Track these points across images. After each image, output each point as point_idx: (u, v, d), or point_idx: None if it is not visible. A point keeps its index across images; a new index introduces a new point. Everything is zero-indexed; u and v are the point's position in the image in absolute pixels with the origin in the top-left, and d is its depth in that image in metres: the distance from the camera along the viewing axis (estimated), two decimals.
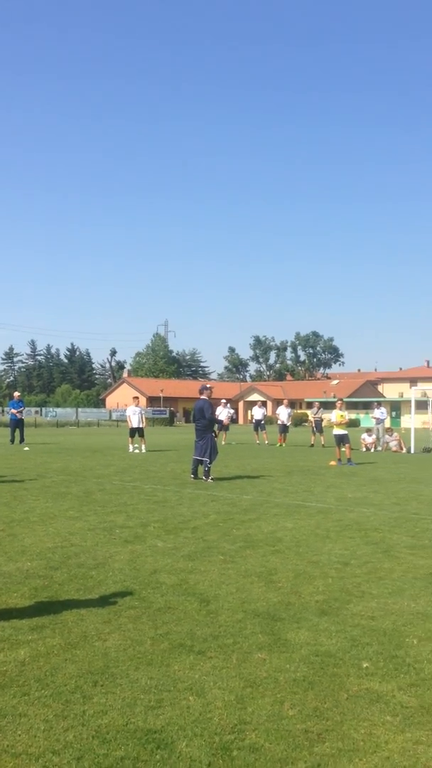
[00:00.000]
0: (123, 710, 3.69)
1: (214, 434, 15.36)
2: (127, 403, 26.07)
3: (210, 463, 14.91)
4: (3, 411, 57.35)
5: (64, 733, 3.44)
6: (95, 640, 4.75)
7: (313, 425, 29.97)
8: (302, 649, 4.66)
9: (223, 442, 29.15)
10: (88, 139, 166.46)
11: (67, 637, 4.79)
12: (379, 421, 29.12)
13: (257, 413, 31.57)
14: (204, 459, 14.88)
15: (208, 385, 16.16)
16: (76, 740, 3.37)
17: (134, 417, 24.34)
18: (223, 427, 29.87)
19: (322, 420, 29.53)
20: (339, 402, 21.53)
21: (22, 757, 3.21)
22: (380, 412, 29.31)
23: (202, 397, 15.35)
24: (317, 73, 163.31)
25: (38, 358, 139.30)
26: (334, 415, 21.01)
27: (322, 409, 30.36)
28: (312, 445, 29.32)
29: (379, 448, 27.78)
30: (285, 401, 31.83)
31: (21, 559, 7.15)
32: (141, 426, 24.31)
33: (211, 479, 14.75)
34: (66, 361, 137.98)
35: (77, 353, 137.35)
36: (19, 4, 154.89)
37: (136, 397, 26.83)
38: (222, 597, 5.86)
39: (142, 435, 24.40)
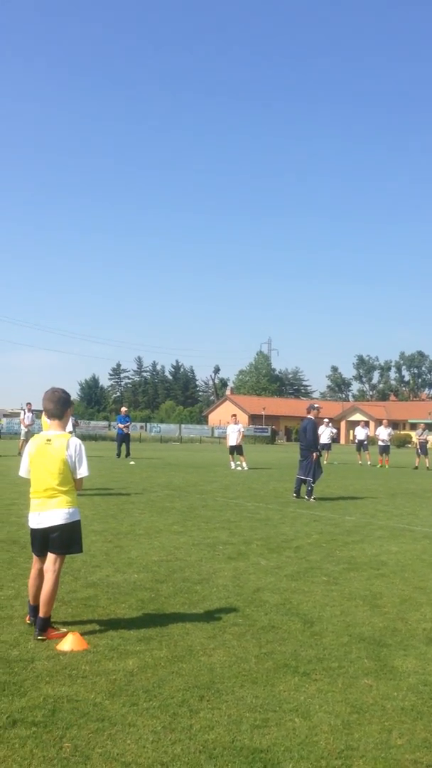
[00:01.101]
0: (229, 727, 3.72)
1: (318, 454, 15.22)
2: (229, 421, 26.19)
3: (314, 483, 14.80)
4: (110, 425, 58.95)
5: (172, 745, 3.50)
6: (201, 654, 4.81)
7: (418, 447, 29.23)
8: (410, 677, 4.56)
9: (325, 462, 28.88)
10: (201, 158, 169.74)
11: (173, 650, 4.87)
12: None
13: (360, 433, 31.08)
14: (307, 478, 14.78)
15: (315, 405, 16.04)
16: (183, 754, 3.42)
17: (232, 435, 24.48)
18: (326, 447, 29.57)
19: (427, 442, 28.76)
20: None
21: (131, 766, 3.29)
22: None
23: (309, 416, 15.27)
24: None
25: (144, 374, 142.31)
26: None
27: (427, 430, 29.57)
28: (416, 467, 28.58)
29: None
30: (384, 421, 31.25)
31: (128, 570, 7.33)
32: (239, 444, 24.40)
33: (314, 499, 14.63)
34: (170, 377, 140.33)
35: (182, 370, 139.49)
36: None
37: (234, 415, 26.98)
38: (326, 619, 5.81)
39: (241, 453, 24.48)
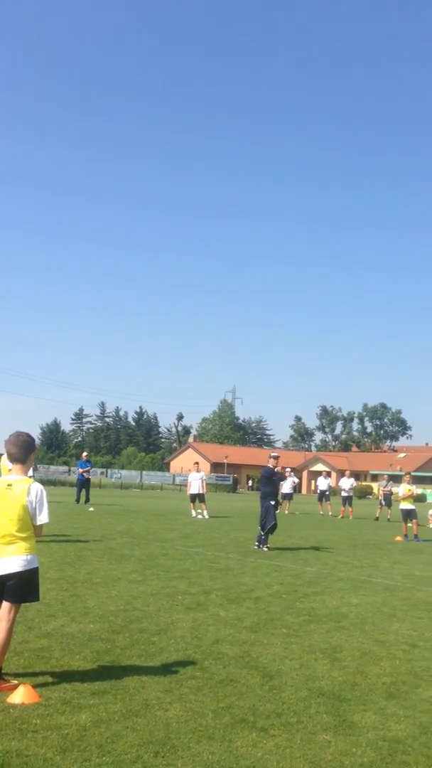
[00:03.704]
0: None
1: (276, 503, 15.14)
2: (190, 469, 26.08)
3: (263, 532, 14.69)
4: (70, 471, 58.19)
5: None
6: (156, 709, 4.69)
7: (381, 498, 29.38)
8: (369, 732, 4.49)
9: (286, 512, 28.79)
10: (164, 200, 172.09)
11: (128, 704, 4.74)
12: None
13: (322, 483, 31.12)
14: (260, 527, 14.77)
15: (273, 454, 16.11)
16: None
17: (194, 483, 24.37)
18: (287, 497, 29.54)
19: (391, 493, 28.92)
20: (406, 476, 21.13)
21: None
22: None
23: (268, 464, 15.29)
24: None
25: (107, 419, 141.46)
26: (402, 489, 20.56)
27: (391, 482, 29.77)
28: (377, 518, 28.65)
29: None
30: (347, 472, 31.43)
31: (84, 620, 7.15)
32: (201, 492, 24.28)
33: (267, 548, 14.50)
34: (133, 423, 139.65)
35: (145, 416, 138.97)
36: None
37: (197, 463, 26.87)
38: (285, 672, 5.72)
39: (203, 500, 24.33)
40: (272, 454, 16.27)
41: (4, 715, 4.42)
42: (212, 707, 4.78)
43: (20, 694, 4.70)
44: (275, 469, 15.24)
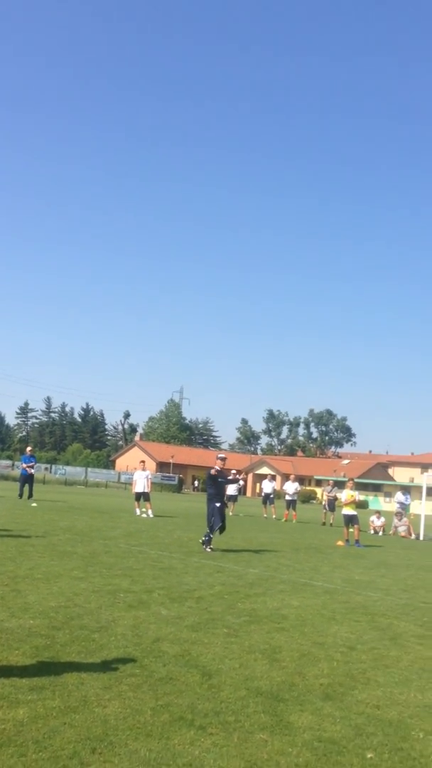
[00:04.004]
0: None
1: (222, 504, 15.20)
2: (136, 467, 25.97)
3: (210, 533, 14.74)
4: (14, 465, 57.33)
5: None
6: (95, 705, 4.66)
7: (326, 503, 29.75)
8: (305, 733, 4.55)
9: (230, 513, 28.90)
10: (122, 199, 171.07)
11: (66, 700, 4.70)
12: (403, 506, 28.92)
13: (267, 487, 31.34)
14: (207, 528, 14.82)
15: (221, 455, 16.16)
16: None
17: (140, 481, 24.29)
18: (232, 498, 29.68)
19: (335, 498, 29.30)
20: (350, 482, 21.42)
21: None
22: (405, 497, 29.22)
23: (215, 466, 15.34)
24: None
25: (52, 415, 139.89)
26: (345, 495, 20.85)
27: (336, 487, 30.16)
28: (324, 524, 28.99)
29: (390, 532, 27.41)
30: (292, 476, 31.77)
31: (24, 616, 7.06)
32: (146, 491, 24.22)
33: (210, 549, 14.54)
34: (79, 420, 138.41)
35: (91, 413, 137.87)
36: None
37: (143, 461, 26.79)
38: (225, 672, 5.75)
39: (147, 499, 24.26)
40: (219, 455, 16.30)
41: None
42: (151, 705, 4.78)
43: None
44: (222, 471, 15.29)
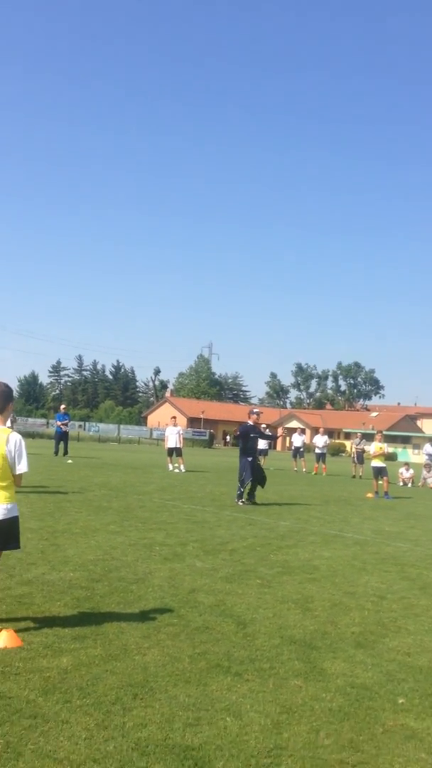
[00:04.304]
0: (162, 725, 3.78)
1: (254, 459, 15.29)
2: (168, 423, 26.21)
3: (241, 487, 14.91)
4: (48, 423, 58.15)
5: (105, 743, 3.53)
6: (135, 653, 4.85)
7: (354, 456, 29.84)
8: (338, 679, 4.70)
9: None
10: (150, 156, 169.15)
11: (107, 649, 4.90)
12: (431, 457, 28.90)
13: (296, 440, 31.48)
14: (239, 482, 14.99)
15: (255, 410, 16.18)
16: (116, 751, 3.46)
17: (171, 437, 24.54)
18: (262, 452, 29.90)
19: (363, 451, 29.36)
20: (378, 434, 21.43)
21: (64, 762, 3.31)
22: None
23: (248, 421, 15.41)
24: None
25: (84, 373, 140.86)
26: (373, 447, 20.90)
27: (364, 440, 30.20)
28: (353, 476, 29.14)
29: (419, 484, 27.47)
30: (321, 429, 31.83)
31: (64, 569, 7.30)
32: (178, 446, 24.48)
33: (242, 502, 14.73)
34: (111, 377, 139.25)
35: (122, 370, 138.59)
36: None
37: (174, 417, 27.01)
38: (259, 621, 5.91)
39: (179, 455, 24.55)
40: (254, 410, 16.31)
41: None
42: (189, 653, 4.96)
43: (3, 639, 4.83)
44: (255, 426, 15.35)
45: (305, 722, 3.97)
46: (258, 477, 15.06)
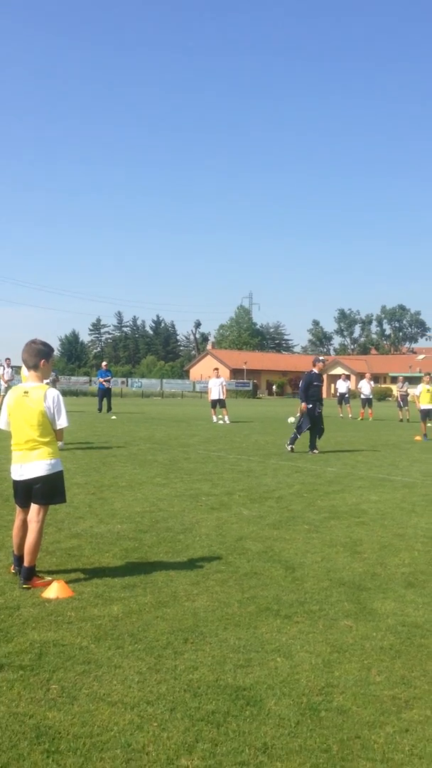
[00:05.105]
0: (213, 667, 3.81)
1: (314, 407, 14.94)
2: (210, 375, 26.24)
3: (298, 433, 14.82)
4: (91, 381, 58.80)
5: (157, 685, 3.58)
6: (184, 600, 4.90)
7: (399, 400, 29.55)
8: (389, 618, 4.68)
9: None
10: (178, 115, 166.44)
11: (157, 596, 4.95)
12: None
13: (341, 386, 31.26)
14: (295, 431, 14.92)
15: (320, 358, 15.95)
16: (168, 692, 3.50)
17: (215, 389, 24.59)
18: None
19: (407, 394, 29.03)
20: (426, 377, 21.10)
21: (117, 705, 3.37)
22: None
23: (313, 369, 15.21)
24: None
25: (124, 329, 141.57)
26: (420, 390, 20.62)
27: (407, 383, 29.83)
28: (401, 420, 28.88)
29: None
30: (367, 375, 31.54)
31: (111, 521, 7.39)
32: (222, 397, 24.52)
33: (291, 448, 14.71)
34: (151, 332, 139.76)
35: (162, 325, 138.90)
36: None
37: (216, 369, 27.02)
38: (307, 565, 5.92)
39: (223, 406, 24.60)
40: (320, 358, 16.07)
41: (40, 609, 4.65)
42: (237, 598, 4.99)
43: (54, 590, 4.92)
44: (320, 374, 15.15)
45: (356, 661, 3.97)
46: (317, 427, 14.88)
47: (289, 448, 14.75)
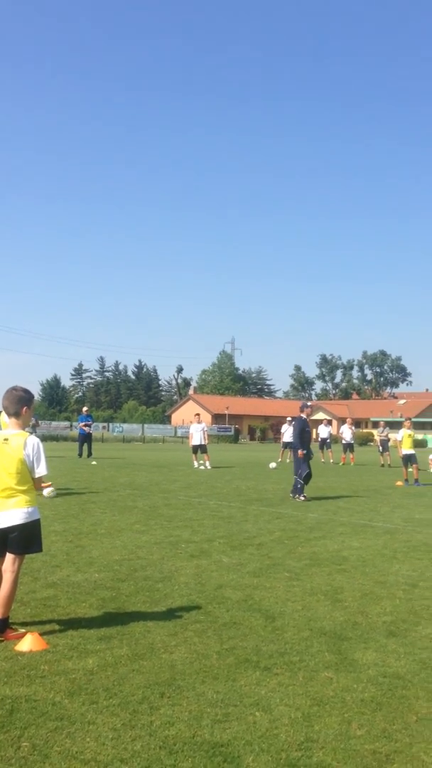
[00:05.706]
0: (190, 722, 3.71)
1: (305, 452, 14.89)
2: (192, 420, 26.19)
3: (301, 480, 14.66)
4: (72, 425, 58.47)
5: (132, 742, 3.48)
6: (162, 652, 4.79)
7: (379, 445, 29.61)
8: (370, 669, 4.60)
9: (288, 460, 29.03)
10: (163, 154, 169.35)
11: (134, 648, 4.84)
12: None
13: (323, 431, 31.30)
14: (295, 477, 14.80)
15: (308, 404, 15.94)
16: (143, 750, 3.40)
17: (196, 434, 24.52)
18: (287, 445, 29.76)
19: (389, 439, 29.11)
20: (407, 421, 21.19)
21: (91, 763, 3.26)
22: None
23: (301, 415, 15.20)
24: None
25: (106, 374, 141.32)
26: (401, 435, 20.67)
27: (388, 428, 29.94)
28: (382, 465, 28.90)
29: None
30: (348, 420, 31.62)
31: (89, 570, 7.27)
32: (203, 443, 24.45)
33: (303, 497, 14.56)
34: (133, 377, 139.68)
35: (144, 370, 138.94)
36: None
37: (198, 414, 26.98)
38: (288, 614, 5.83)
39: (204, 451, 24.51)
40: (307, 403, 16.04)
41: (13, 663, 4.53)
42: (216, 649, 4.89)
43: (28, 642, 4.80)
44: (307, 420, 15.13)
45: (336, 714, 3.88)
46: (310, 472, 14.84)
47: (302, 498, 14.54)
